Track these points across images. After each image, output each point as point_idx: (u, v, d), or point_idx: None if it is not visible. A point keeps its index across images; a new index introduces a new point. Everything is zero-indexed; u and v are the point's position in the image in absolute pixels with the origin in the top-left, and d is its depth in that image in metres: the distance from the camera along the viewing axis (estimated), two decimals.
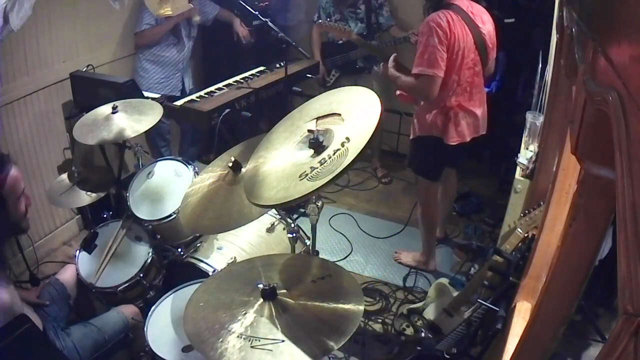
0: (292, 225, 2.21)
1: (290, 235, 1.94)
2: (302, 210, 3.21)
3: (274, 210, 2.36)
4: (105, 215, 2.42)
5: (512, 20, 3.58)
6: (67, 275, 2.18)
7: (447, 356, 2.02)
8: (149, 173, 2.50)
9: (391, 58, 2.62)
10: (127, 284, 2.15)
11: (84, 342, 1.86)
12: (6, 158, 1.59)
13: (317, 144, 1.42)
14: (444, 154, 2.70)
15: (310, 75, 3.52)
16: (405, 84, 2.52)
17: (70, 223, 3.36)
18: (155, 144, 3.71)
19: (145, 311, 2.00)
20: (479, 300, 2.00)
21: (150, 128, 2.25)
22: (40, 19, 2.77)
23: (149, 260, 2.22)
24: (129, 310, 2.05)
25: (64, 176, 2.50)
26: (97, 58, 3.21)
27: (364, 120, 1.37)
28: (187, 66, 3.66)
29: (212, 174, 1.89)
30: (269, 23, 3.01)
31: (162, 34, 3.35)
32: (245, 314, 1.35)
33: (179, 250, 2.30)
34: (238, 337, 1.28)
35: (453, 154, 2.76)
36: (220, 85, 3.24)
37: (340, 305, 1.36)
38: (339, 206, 3.73)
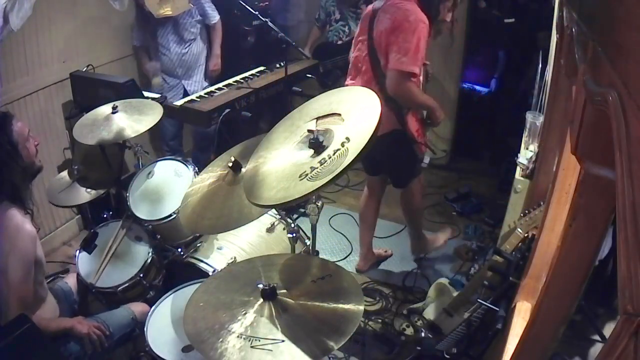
0: (292, 225, 2.21)
1: (290, 235, 1.94)
2: (302, 210, 3.21)
3: (274, 210, 2.36)
4: (105, 215, 2.42)
5: (512, 20, 3.59)
6: (74, 280, 2.21)
7: (447, 356, 2.01)
8: (149, 173, 2.50)
9: None
10: (127, 284, 2.15)
11: None
12: (8, 114, 1.85)
13: (317, 144, 1.42)
14: None
15: (310, 75, 3.52)
16: None
17: (70, 223, 3.36)
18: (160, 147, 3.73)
19: None
20: (479, 300, 2.00)
21: (151, 128, 2.26)
22: (40, 19, 2.77)
23: (149, 260, 2.22)
24: (138, 309, 2.07)
25: (64, 174, 2.50)
26: (97, 58, 3.21)
27: (364, 120, 1.37)
28: (191, 71, 3.53)
29: (212, 174, 1.89)
30: (269, 23, 3.01)
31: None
32: (245, 314, 1.35)
33: (179, 250, 2.30)
34: (238, 337, 1.28)
35: None
36: (220, 85, 3.24)
37: (340, 305, 1.36)
38: (339, 206, 3.73)
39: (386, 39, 2.29)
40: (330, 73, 3.84)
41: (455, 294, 2.37)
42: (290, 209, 2.96)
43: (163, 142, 3.69)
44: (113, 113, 2.28)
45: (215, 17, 3.51)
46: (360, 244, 3.07)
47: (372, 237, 3.02)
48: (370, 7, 2.49)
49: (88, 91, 2.97)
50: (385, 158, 2.62)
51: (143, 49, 3.47)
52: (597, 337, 1.95)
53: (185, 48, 3.45)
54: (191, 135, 3.84)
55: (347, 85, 2.55)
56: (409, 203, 2.90)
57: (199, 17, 3.46)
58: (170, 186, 2.44)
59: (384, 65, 2.32)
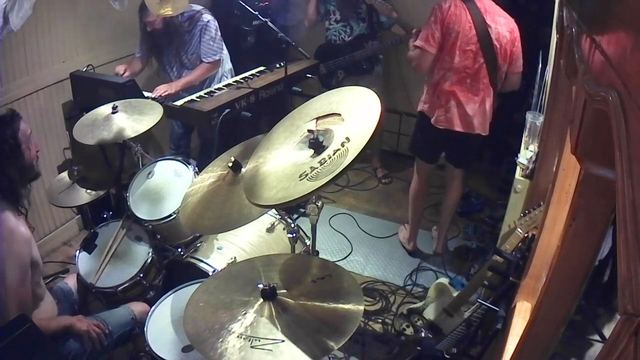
0: (292, 225, 2.21)
1: (290, 235, 1.94)
2: (302, 210, 3.21)
3: (274, 210, 2.36)
4: (105, 215, 2.42)
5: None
6: (74, 280, 2.21)
7: (447, 356, 2.01)
8: (149, 173, 2.50)
9: (414, 30, 2.82)
10: (127, 284, 2.15)
11: None
12: (15, 112, 1.88)
13: (317, 144, 1.42)
14: (431, 134, 2.84)
15: (310, 75, 3.52)
16: (410, 51, 2.79)
17: (70, 223, 3.36)
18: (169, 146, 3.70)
19: None
20: (479, 300, 2.00)
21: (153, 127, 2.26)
22: (40, 19, 2.77)
23: (149, 260, 2.22)
24: (138, 308, 2.08)
25: (64, 174, 2.50)
26: (97, 58, 3.20)
27: (364, 120, 1.37)
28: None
29: (212, 174, 1.89)
30: (269, 23, 3.01)
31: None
32: (245, 314, 1.35)
33: (179, 250, 2.30)
34: (238, 337, 1.29)
35: (444, 140, 2.87)
36: (220, 85, 3.24)
37: (340, 305, 1.36)
38: (339, 206, 3.73)
39: (510, 49, 2.63)
40: (332, 74, 3.82)
41: (455, 294, 2.37)
42: (290, 209, 2.96)
43: (171, 141, 3.69)
44: (113, 113, 2.28)
45: (209, 57, 3.21)
46: (410, 220, 3.22)
47: (422, 215, 3.26)
48: (455, 6, 2.56)
49: (88, 91, 2.97)
50: (479, 147, 3.01)
51: (141, 59, 3.31)
52: (597, 337, 1.94)
53: (184, 73, 3.27)
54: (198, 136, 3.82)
55: (458, 93, 2.69)
56: (459, 189, 3.07)
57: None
58: (170, 186, 2.44)
59: (504, 71, 2.68)
